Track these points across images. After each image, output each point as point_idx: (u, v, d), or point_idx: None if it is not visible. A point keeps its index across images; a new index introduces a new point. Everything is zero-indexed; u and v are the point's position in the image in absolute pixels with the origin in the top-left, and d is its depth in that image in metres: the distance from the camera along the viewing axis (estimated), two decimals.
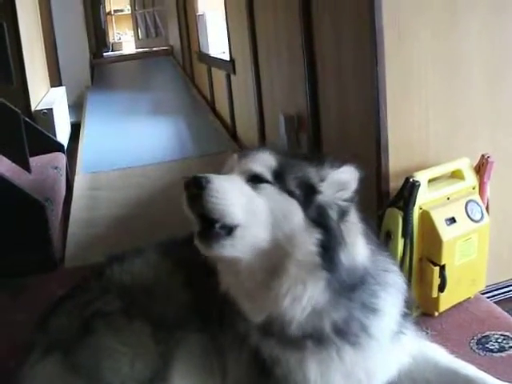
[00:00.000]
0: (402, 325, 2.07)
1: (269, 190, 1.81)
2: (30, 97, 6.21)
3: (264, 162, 1.85)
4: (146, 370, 1.93)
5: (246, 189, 1.80)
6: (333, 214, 1.86)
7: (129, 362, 1.93)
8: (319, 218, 1.83)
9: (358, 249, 1.89)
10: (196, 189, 1.73)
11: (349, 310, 1.89)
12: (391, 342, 2.02)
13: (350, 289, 1.87)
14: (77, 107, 9.05)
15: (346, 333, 1.89)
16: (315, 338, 1.88)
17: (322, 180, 1.88)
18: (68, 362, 1.96)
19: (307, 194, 1.84)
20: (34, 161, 4.72)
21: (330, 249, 1.82)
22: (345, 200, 1.89)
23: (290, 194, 1.82)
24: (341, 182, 1.90)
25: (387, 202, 2.71)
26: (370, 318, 1.93)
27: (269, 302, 1.83)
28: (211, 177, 1.75)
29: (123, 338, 1.98)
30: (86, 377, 1.92)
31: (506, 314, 2.72)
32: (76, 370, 1.93)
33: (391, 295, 2.03)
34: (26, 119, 5.31)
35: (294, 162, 1.91)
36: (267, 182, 1.82)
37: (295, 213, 1.81)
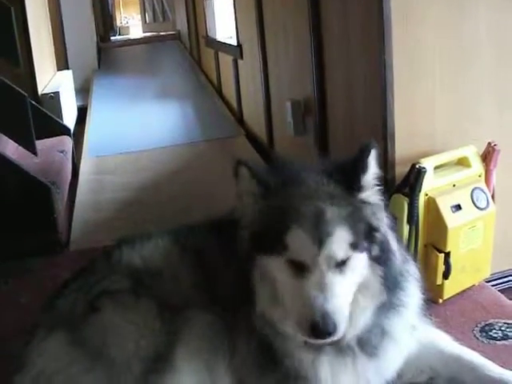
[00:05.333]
0: (418, 316, 2.11)
1: (352, 266, 1.79)
2: (37, 80, 6.20)
3: (343, 242, 1.77)
4: (151, 349, 1.94)
5: (346, 289, 1.79)
6: (384, 237, 1.88)
7: (134, 340, 1.94)
8: (380, 255, 1.85)
9: (396, 254, 1.93)
10: (328, 336, 1.74)
11: (376, 317, 1.92)
12: (407, 337, 2.06)
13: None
14: (83, 91, 9.04)
15: (367, 344, 1.93)
16: (337, 345, 1.89)
17: (375, 213, 1.88)
18: (73, 339, 1.97)
19: (369, 237, 1.84)
20: (40, 144, 4.71)
21: (390, 277, 1.87)
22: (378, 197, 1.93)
23: (362, 251, 1.81)
24: (372, 183, 1.91)
25: (393, 188, 2.71)
26: (392, 319, 1.97)
27: None
28: (337, 319, 1.73)
29: (129, 317, 1.99)
30: (90, 353, 1.93)
31: (510, 302, 2.72)
32: (81, 347, 1.95)
33: (413, 286, 2.06)
34: (33, 102, 5.31)
35: (356, 214, 1.83)
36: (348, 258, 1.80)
37: (365, 264, 1.83)
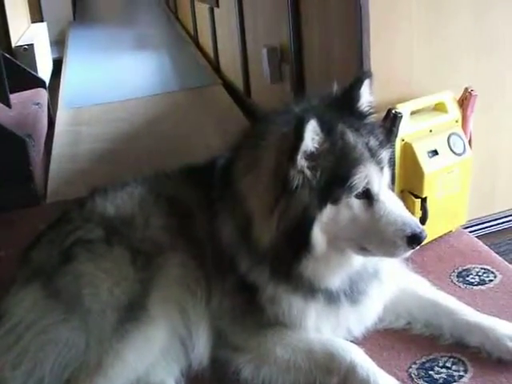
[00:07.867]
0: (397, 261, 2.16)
1: None
2: (10, 32, 6.10)
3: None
4: (125, 297, 1.95)
5: None
6: None
7: (108, 289, 1.96)
8: None
9: None
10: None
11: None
12: (390, 279, 2.14)
13: None
14: (59, 43, 8.90)
15: (355, 290, 2.00)
16: (328, 293, 1.96)
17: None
18: (48, 289, 1.97)
19: None
20: (14, 97, 4.66)
21: None
22: None
23: None
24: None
25: None
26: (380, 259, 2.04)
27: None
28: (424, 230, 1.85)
29: (103, 265, 2.00)
30: (65, 303, 1.94)
31: (486, 247, 2.74)
32: (56, 296, 1.96)
33: None
34: (6, 55, 5.23)
35: (380, 138, 1.96)
36: None
37: None
